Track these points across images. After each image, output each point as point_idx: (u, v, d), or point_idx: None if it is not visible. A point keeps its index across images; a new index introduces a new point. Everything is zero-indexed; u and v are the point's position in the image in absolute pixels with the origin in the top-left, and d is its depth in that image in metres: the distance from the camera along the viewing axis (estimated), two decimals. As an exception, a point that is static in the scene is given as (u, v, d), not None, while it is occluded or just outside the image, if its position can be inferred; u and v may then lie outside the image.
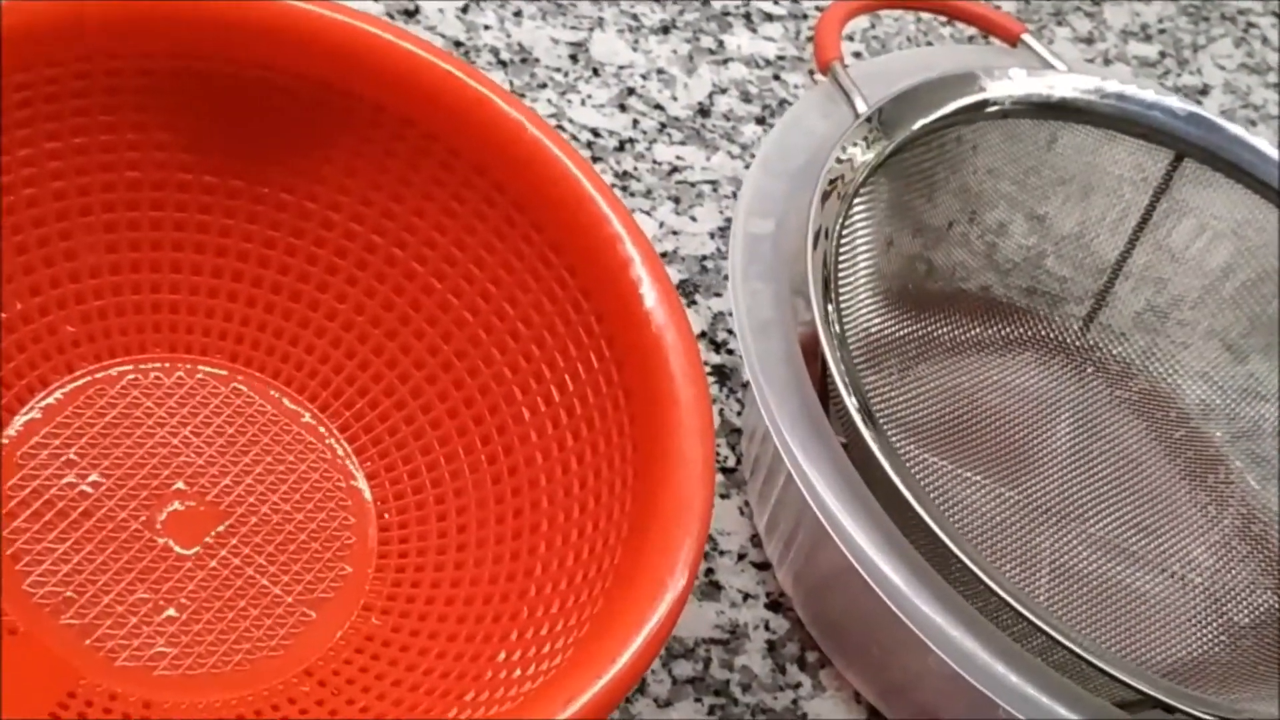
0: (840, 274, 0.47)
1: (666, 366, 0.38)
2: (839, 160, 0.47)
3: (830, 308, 0.45)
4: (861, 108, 0.49)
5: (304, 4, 0.41)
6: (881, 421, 0.44)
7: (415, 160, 0.43)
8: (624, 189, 0.57)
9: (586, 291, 0.41)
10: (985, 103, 0.51)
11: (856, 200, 0.48)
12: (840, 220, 0.47)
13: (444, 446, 0.43)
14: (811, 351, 0.43)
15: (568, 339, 0.41)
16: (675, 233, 0.57)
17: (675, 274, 0.56)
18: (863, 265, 0.50)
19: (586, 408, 0.41)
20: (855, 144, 0.48)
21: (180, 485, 0.42)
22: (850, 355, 0.44)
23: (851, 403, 0.42)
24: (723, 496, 0.50)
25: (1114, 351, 0.56)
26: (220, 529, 0.41)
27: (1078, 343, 0.56)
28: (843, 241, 0.47)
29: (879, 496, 0.41)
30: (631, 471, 0.38)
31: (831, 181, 0.47)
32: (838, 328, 0.44)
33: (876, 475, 0.41)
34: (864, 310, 0.50)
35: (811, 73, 0.64)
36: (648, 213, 0.57)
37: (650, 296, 0.39)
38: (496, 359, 0.43)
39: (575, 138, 0.58)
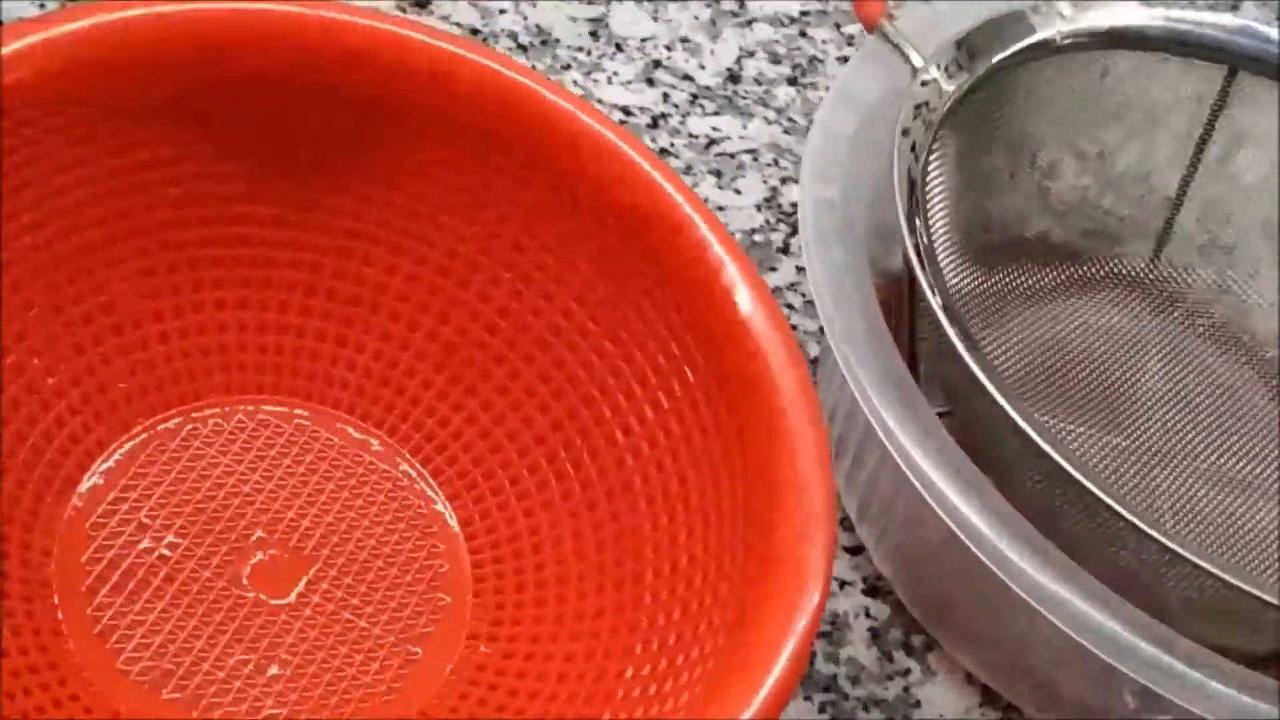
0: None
1: (769, 378, 0.35)
2: (915, 107, 0.45)
3: (925, 262, 0.42)
4: (918, 62, 0.46)
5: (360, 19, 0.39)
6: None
7: (488, 175, 0.40)
8: (662, 168, 0.55)
9: (679, 306, 0.38)
10: (1043, 42, 0.49)
11: (934, 145, 0.46)
12: (922, 167, 0.45)
13: (533, 475, 0.41)
14: (890, 320, 0.41)
15: (659, 354, 0.39)
16: (721, 208, 0.54)
17: (727, 250, 0.53)
18: (938, 218, 0.48)
19: (684, 426, 0.38)
20: (929, 83, 0.46)
21: (260, 534, 0.39)
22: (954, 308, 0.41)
23: (966, 352, 0.39)
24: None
25: (1187, 282, 0.54)
26: (309, 574, 0.39)
27: (1149, 276, 0.54)
28: (923, 191, 0.45)
29: (980, 464, 0.38)
30: (741, 496, 0.35)
31: (908, 127, 0.45)
32: (936, 281, 0.42)
33: (988, 438, 0.38)
34: (943, 266, 0.47)
35: (838, 26, 0.62)
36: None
37: (745, 303, 0.36)
38: (582, 379, 0.40)
39: (605, 119, 0.56)
